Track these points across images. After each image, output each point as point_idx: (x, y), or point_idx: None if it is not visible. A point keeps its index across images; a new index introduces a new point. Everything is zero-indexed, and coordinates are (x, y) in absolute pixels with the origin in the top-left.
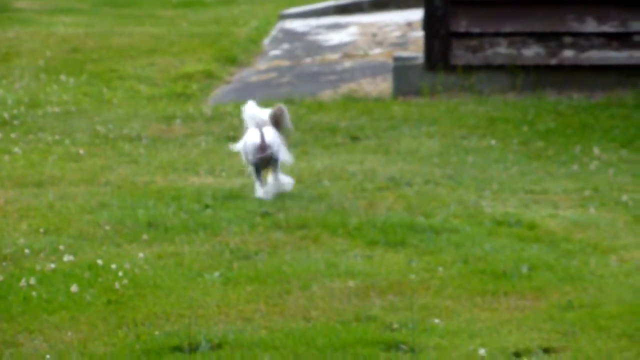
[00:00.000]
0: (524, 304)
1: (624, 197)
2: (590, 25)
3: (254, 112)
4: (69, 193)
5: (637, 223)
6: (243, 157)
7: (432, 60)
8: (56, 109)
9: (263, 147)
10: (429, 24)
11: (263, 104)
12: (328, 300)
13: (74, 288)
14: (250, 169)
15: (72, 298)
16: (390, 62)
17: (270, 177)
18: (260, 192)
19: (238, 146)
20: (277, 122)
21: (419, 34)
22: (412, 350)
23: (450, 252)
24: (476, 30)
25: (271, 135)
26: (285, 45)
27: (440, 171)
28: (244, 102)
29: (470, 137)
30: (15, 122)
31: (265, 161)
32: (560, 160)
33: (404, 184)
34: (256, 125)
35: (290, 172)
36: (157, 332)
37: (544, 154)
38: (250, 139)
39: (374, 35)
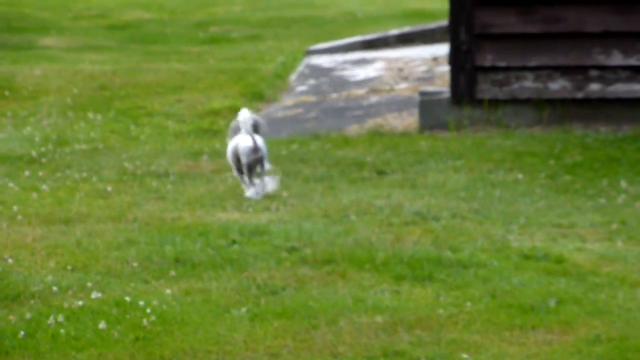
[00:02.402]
0: (551, 338)
1: None
2: (617, 59)
3: (246, 118)
4: (96, 230)
5: None
6: (231, 160)
7: (458, 94)
8: (84, 146)
9: (255, 149)
10: (455, 59)
11: (290, 139)
12: (355, 336)
13: (102, 325)
14: (236, 172)
15: (100, 335)
16: (417, 96)
17: (257, 179)
18: (250, 192)
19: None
20: (255, 129)
21: (445, 68)
22: None
23: (477, 287)
24: (502, 64)
25: (260, 140)
26: (312, 81)
27: (467, 205)
28: (270, 138)
29: (497, 171)
30: (43, 160)
31: (256, 162)
32: (588, 193)
33: (431, 218)
34: (247, 131)
35: (316, 206)
36: None
37: (571, 188)
38: (243, 143)
39: (400, 70)
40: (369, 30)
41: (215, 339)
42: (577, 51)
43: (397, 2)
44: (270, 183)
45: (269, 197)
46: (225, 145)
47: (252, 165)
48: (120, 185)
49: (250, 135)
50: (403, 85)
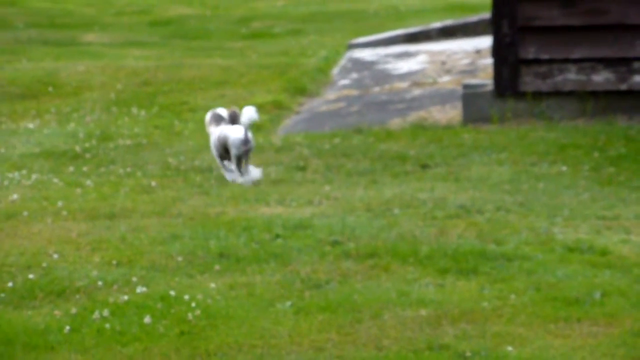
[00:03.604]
0: (597, 331)
1: None
2: None
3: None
4: (141, 225)
5: None
6: (216, 147)
7: (501, 87)
8: (127, 142)
9: (246, 141)
10: (498, 51)
11: (332, 133)
12: (400, 329)
13: (147, 319)
14: (218, 159)
15: (145, 329)
16: (460, 89)
17: (244, 167)
18: (240, 179)
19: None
20: (234, 120)
21: (488, 61)
22: None
23: (522, 280)
24: (545, 56)
25: (250, 133)
26: (354, 75)
27: (511, 198)
28: (313, 132)
29: (541, 164)
30: (87, 155)
31: (246, 154)
32: (632, 185)
33: (475, 211)
34: (244, 122)
35: (359, 200)
36: None
37: (615, 180)
38: (234, 134)
39: (443, 63)
40: (412, 24)
41: (260, 333)
42: (620, 43)
43: None
44: (254, 172)
45: (312, 191)
46: (268, 140)
47: (241, 156)
48: (164, 180)
49: (244, 127)
50: (446, 78)
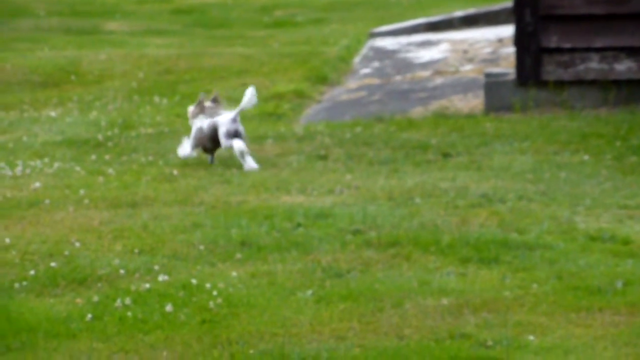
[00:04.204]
0: (618, 320)
1: None
2: None
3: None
4: (162, 213)
5: None
6: (195, 140)
7: (523, 76)
8: (149, 130)
9: (234, 119)
10: (520, 40)
11: (353, 122)
12: (421, 318)
13: (168, 308)
14: (193, 141)
15: (167, 318)
16: (482, 78)
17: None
18: (182, 151)
19: (197, 127)
20: (216, 102)
21: (510, 49)
22: None
23: (544, 269)
24: (567, 45)
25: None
26: (376, 64)
27: (533, 187)
28: (334, 121)
29: (563, 153)
30: (109, 144)
31: (234, 132)
32: None
33: (497, 200)
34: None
35: (381, 189)
36: (251, 351)
37: (637, 169)
38: (224, 117)
39: (465, 51)
40: (433, 12)
41: (281, 322)
42: None
43: None
44: (250, 162)
45: (333, 180)
46: (289, 129)
47: (230, 133)
48: (186, 169)
49: (235, 114)
50: (468, 67)
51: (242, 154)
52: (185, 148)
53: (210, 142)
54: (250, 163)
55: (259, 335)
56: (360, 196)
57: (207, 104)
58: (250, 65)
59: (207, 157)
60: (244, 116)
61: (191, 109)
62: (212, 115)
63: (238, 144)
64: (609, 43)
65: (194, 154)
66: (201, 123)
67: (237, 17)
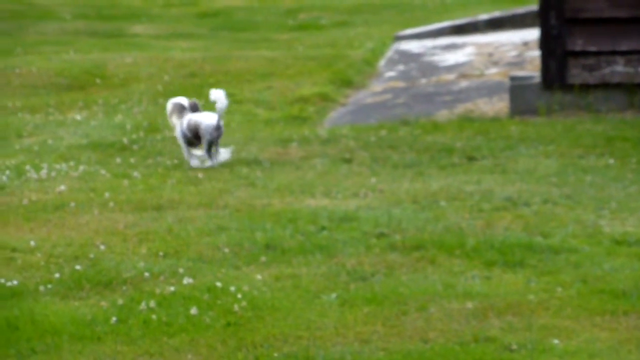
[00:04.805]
0: None
1: None
2: None
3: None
4: (187, 216)
5: None
6: (183, 134)
7: (548, 79)
8: (175, 134)
9: (218, 127)
10: (545, 43)
11: (378, 125)
12: (446, 322)
13: (193, 311)
14: (185, 145)
15: (192, 321)
16: (507, 81)
17: (214, 152)
18: (209, 162)
19: (182, 126)
20: (195, 109)
21: (535, 53)
22: None
23: (569, 272)
24: (592, 48)
25: (221, 121)
26: (401, 67)
27: (558, 191)
28: (359, 124)
29: (588, 157)
30: (134, 147)
31: (217, 138)
32: None
33: (522, 204)
34: (219, 110)
35: (405, 192)
36: (275, 354)
37: None
38: (207, 121)
39: (490, 55)
40: (458, 16)
41: (306, 325)
42: None
43: None
44: (223, 153)
45: (357, 184)
46: (314, 132)
47: (214, 140)
48: (211, 172)
49: (218, 114)
50: (493, 70)
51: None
52: (190, 157)
53: (194, 138)
54: (224, 155)
55: (283, 338)
56: (384, 199)
57: (185, 110)
58: (275, 68)
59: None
60: (269, 120)
61: (170, 107)
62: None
63: (224, 156)
64: (634, 46)
65: (197, 161)
66: (180, 126)
67: (263, 20)
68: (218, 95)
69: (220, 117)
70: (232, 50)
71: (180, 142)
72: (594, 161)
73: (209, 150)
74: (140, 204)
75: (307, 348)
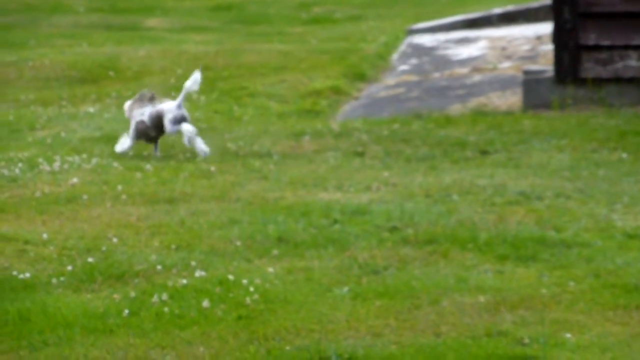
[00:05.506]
0: None
1: None
2: None
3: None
4: (200, 209)
5: None
6: (135, 132)
7: (561, 73)
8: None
9: (180, 105)
10: (559, 37)
11: (391, 119)
12: (458, 316)
13: (205, 303)
14: (134, 137)
15: (204, 313)
16: (520, 75)
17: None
18: (120, 147)
19: (142, 116)
20: (152, 100)
21: (549, 47)
22: None
23: (581, 267)
24: (606, 43)
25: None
26: (414, 60)
27: (571, 185)
28: (372, 118)
29: (601, 151)
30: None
31: (181, 119)
32: None
33: (535, 198)
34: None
35: (418, 186)
36: (287, 347)
37: None
38: (168, 105)
39: (503, 48)
40: (472, 9)
41: (318, 318)
42: None
43: None
44: (201, 145)
45: (370, 177)
46: (327, 125)
47: (177, 119)
48: (224, 165)
49: (180, 102)
50: (506, 64)
51: (190, 139)
52: (124, 143)
53: (154, 130)
54: (201, 146)
55: (295, 331)
56: (397, 193)
57: (144, 101)
58: (288, 61)
59: (152, 148)
60: (281, 113)
61: (128, 103)
62: (147, 106)
63: (187, 127)
64: None
65: (131, 152)
66: (141, 116)
67: (276, 13)
68: (194, 76)
69: (183, 97)
70: (245, 43)
71: (131, 134)
72: (607, 155)
73: (155, 140)
74: (152, 197)
75: (318, 341)
